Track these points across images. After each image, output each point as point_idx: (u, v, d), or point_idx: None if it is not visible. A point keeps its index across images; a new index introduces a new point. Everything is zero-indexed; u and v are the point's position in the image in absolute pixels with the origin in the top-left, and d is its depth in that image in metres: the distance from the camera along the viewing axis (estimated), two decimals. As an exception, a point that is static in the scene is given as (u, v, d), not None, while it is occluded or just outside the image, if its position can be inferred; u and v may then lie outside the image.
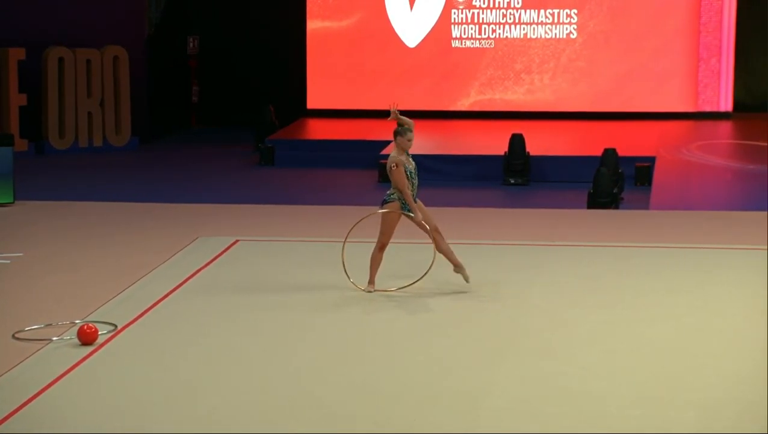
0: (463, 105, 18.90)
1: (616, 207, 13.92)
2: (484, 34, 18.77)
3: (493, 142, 16.54)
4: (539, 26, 18.65)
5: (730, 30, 18.07)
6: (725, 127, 17.93)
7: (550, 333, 8.55)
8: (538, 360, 7.94)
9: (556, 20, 18.57)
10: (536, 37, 18.63)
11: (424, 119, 18.81)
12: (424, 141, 17.94)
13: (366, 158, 16.31)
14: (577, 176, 15.26)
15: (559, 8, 18.53)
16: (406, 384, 7.48)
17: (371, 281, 9.55)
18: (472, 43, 18.81)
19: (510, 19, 18.70)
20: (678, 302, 9.34)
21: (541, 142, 16.44)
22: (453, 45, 18.84)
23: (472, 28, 18.80)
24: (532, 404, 7.15)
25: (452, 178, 15.75)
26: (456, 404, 7.16)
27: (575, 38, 18.53)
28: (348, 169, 16.35)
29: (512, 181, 15.55)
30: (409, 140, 9.54)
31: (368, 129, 18.00)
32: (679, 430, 6.77)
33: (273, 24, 19.45)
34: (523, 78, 18.73)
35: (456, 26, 18.81)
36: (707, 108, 18.24)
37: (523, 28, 18.68)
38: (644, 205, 13.90)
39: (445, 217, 12.91)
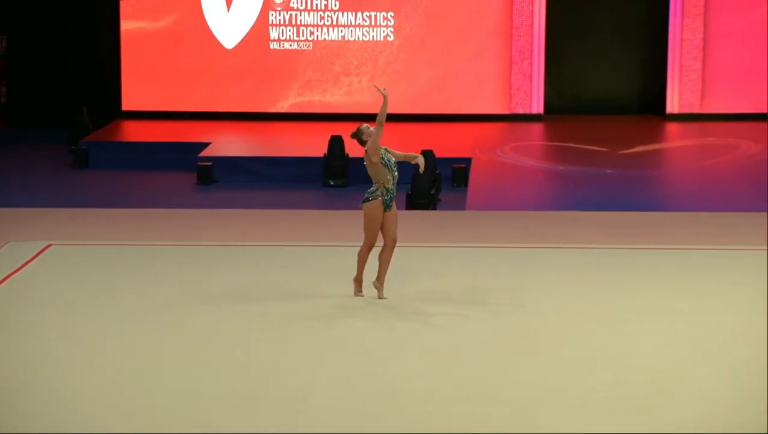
0: (282, 107, 18.86)
1: (434, 208, 14.09)
2: (303, 36, 18.77)
3: (312, 144, 16.55)
4: (357, 29, 18.76)
5: (540, 34, 18.51)
6: (537, 129, 18.36)
7: (372, 334, 8.59)
8: (359, 361, 7.97)
9: (373, 23, 18.70)
10: (354, 40, 18.73)
11: (243, 121, 18.70)
12: (244, 143, 17.83)
13: (184, 160, 16.11)
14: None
15: (376, 11, 18.68)
16: (228, 387, 7.41)
17: (359, 281, 9.40)
18: (291, 45, 18.80)
19: (328, 21, 18.76)
20: (494, 300, 9.50)
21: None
22: (271, 47, 18.79)
23: (290, 30, 18.78)
24: (355, 404, 7.17)
25: (272, 180, 15.69)
26: (277, 406, 7.12)
27: (392, 41, 18.70)
28: (165, 171, 16.12)
29: (332, 183, 15.58)
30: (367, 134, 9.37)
31: (186, 131, 17.78)
32: (492, 427, 6.88)
33: (86, 24, 19.03)
34: (342, 80, 18.80)
35: (274, 28, 18.76)
36: (520, 110, 18.64)
37: (341, 31, 18.76)
38: (461, 205, 14.10)
39: (265, 219, 12.86)
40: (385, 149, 9.44)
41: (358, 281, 9.47)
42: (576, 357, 8.11)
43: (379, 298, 9.37)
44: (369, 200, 9.32)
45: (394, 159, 9.43)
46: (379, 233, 9.39)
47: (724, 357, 8.10)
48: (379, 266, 9.40)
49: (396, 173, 9.39)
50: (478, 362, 8.00)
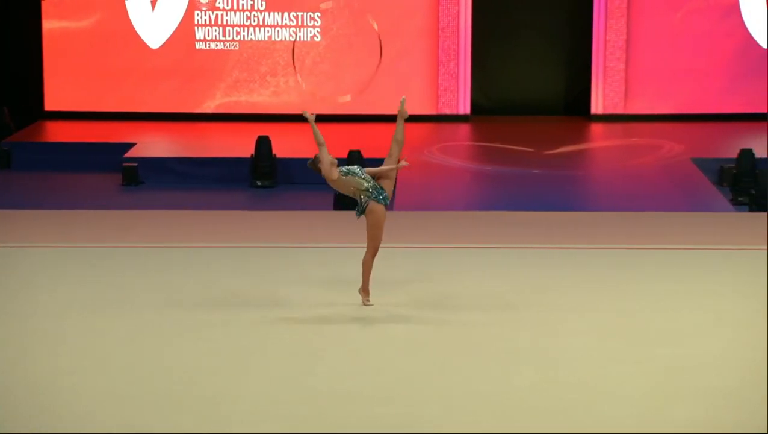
0: (208, 107, 18.74)
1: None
2: (229, 36, 18.67)
3: (239, 144, 16.48)
4: (283, 29, 18.70)
5: (466, 34, 18.59)
6: (464, 129, 18.44)
7: (300, 335, 8.58)
8: (286, 362, 7.95)
9: (300, 23, 18.66)
10: (281, 40, 18.68)
11: (168, 122, 18.55)
12: (170, 144, 17.69)
13: (108, 161, 15.95)
14: (323, 178, 15.33)
15: (303, 11, 18.64)
16: (150, 389, 7.35)
17: (366, 291, 9.19)
18: (217, 45, 18.69)
19: (254, 21, 18.68)
20: (421, 300, 9.52)
21: (287, 144, 16.49)
22: (197, 47, 18.66)
23: (216, 30, 18.67)
24: (281, 406, 7.15)
25: (199, 180, 15.60)
26: (202, 409, 7.08)
27: (319, 41, 18.67)
28: (90, 172, 15.95)
29: (259, 183, 15.52)
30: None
31: (110, 131, 17.60)
32: (419, 428, 6.90)
33: (6, 23, 18.76)
34: (269, 80, 18.73)
35: (200, 28, 18.64)
36: (447, 111, 18.71)
37: (268, 31, 18.68)
38: (389, 206, 14.09)
39: (192, 220, 12.77)
40: (347, 169, 9.19)
41: (366, 290, 9.25)
42: (501, 356, 8.15)
43: (363, 304, 9.20)
44: (377, 201, 9.08)
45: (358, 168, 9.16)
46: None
47: (648, 355, 8.19)
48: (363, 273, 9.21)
49: (365, 174, 9.14)
50: (405, 363, 8.02)
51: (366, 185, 9.14)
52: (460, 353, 8.23)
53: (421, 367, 7.92)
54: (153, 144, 17.03)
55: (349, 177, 9.16)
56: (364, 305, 9.20)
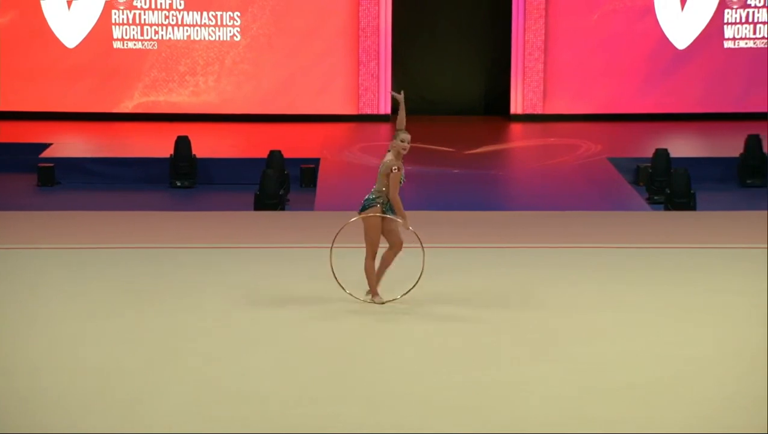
0: (126, 107, 18.56)
1: (282, 208, 14.05)
2: (147, 35, 18.51)
3: (158, 144, 16.34)
4: (203, 28, 18.58)
5: (387, 34, 18.62)
6: (385, 129, 18.46)
7: (214, 336, 8.52)
8: (202, 364, 7.89)
9: (219, 22, 18.55)
10: (200, 39, 18.55)
11: (85, 121, 18.34)
12: (87, 144, 17.49)
13: (24, 161, 15.73)
14: (243, 177, 15.31)
15: (222, 11, 18.53)
16: (68, 388, 7.27)
17: (375, 293, 9.12)
18: (135, 45, 18.51)
19: (173, 20, 18.53)
20: (342, 301, 9.52)
21: (207, 144, 16.39)
22: (114, 46, 18.47)
23: (134, 29, 18.49)
24: (195, 406, 7.10)
25: (117, 181, 15.45)
26: (114, 409, 7.01)
27: (239, 41, 18.58)
28: (4, 173, 15.72)
29: (178, 183, 15.41)
30: (404, 142, 9.07)
31: (26, 132, 17.36)
32: (339, 428, 6.90)
33: None
34: (188, 80, 18.60)
35: (117, 27, 18.45)
36: (368, 111, 18.72)
37: (187, 30, 18.55)
38: (309, 206, 14.10)
39: (110, 221, 12.63)
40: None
41: (374, 293, 9.21)
42: (426, 355, 8.17)
43: (375, 301, 9.19)
44: (366, 208, 9.07)
45: (403, 172, 9.18)
46: (381, 238, 9.12)
47: (566, 354, 8.26)
48: (378, 274, 9.17)
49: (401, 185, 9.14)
50: (325, 363, 8.00)
51: (398, 197, 9.13)
52: (386, 352, 8.23)
53: (344, 367, 7.91)
54: (69, 144, 16.83)
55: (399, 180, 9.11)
56: (378, 303, 9.16)
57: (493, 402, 7.30)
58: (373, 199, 9.15)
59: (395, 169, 9.09)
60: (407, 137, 9.19)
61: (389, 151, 9.19)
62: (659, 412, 7.13)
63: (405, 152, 9.18)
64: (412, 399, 7.33)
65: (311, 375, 7.72)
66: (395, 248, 9.22)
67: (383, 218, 9.12)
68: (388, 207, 9.20)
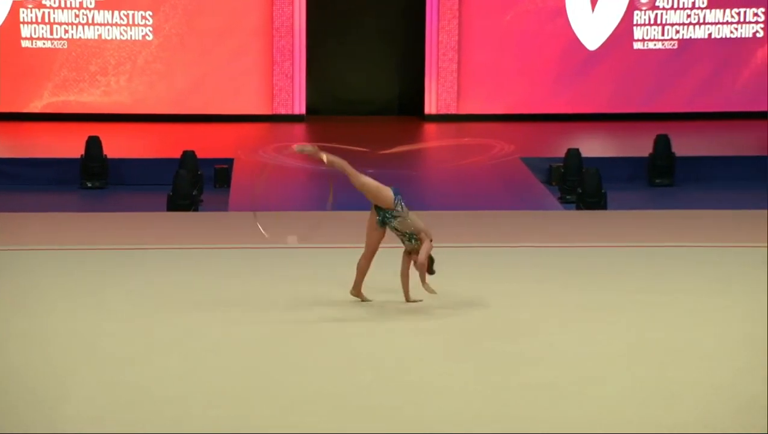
0: (35, 107, 18.30)
1: (196, 209, 13.98)
2: (57, 34, 18.27)
3: (68, 144, 16.15)
4: (114, 27, 18.39)
5: (301, 34, 18.60)
6: (300, 129, 18.46)
7: (130, 339, 8.46)
8: (108, 366, 7.82)
9: (131, 22, 18.38)
10: (111, 39, 18.36)
11: (-6, 122, 18.07)
12: (-4, 144, 17.24)
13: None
14: (156, 178, 15.19)
15: (134, 10, 18.36)
16: None
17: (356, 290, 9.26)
18: (44, 44, 18.26)
19: (83, 19, 18.31)
20: (255, 302, 9.51)
21: (118, 144, 16.24)
22: (23, 45, 18.20)
23: (43, 28, 18.24)
24: (109, 410, 7.04)
25: (27, 182, 15.24)
26: (28, 412, 6.93)
27: (151, 40, 18.42)
28: None
29: (89, 184, 15.24)
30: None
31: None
32: (249, 428, 6.89)
33: None
34: (99, 80, 18.39)
35: (26, 25, 18.19)
36: (282, 111, 18.68)
37: (98, 29, 18.34)
38: (224, 206, 14.05)
39: (22, 222, 12.45)
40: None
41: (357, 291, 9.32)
42: (337, 356, 8.18)
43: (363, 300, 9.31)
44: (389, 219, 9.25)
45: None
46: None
47: (478, 352, 8.33)
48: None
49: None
50: (238, 364, 7.98)
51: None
52: (299, 353, 8.23)
53: (257, 368, 7.89)
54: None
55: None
56: (363, 301, 9.28)
57: (405, 402, 7.33)
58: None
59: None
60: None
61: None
62: (574, 410, 7.22)
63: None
64: (323, 399, 7.34)
65: (223, 377, 7.69)
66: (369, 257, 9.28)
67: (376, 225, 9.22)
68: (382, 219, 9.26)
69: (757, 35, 18.29)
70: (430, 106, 18.64)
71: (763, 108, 18.27)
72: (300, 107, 18.69)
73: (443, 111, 18.61)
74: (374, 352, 8.28)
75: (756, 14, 18.26)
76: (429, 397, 7.41)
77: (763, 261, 10.69)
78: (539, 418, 7.07)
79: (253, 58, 18.55)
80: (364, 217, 9.53)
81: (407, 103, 19.11)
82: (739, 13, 18.30)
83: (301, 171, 16.15)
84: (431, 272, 9.26)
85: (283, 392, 7.44)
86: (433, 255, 9.23)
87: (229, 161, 15.82)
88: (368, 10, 18.98)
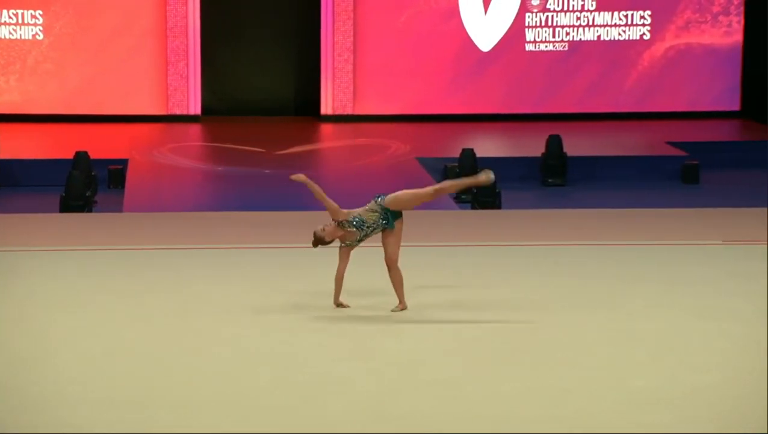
0: None
1: (89, 210, 13.86)
2: (-56, 33, 17.94)
3: (-42, 146, 15.86)
4: (3, 27, 18.07)
5: (195, 35, 18.51)
6: (195, 130, 18.38)
7: (21, 341, 8.38)
8: (6, 368, 7.76)
9: (20, 21, 18.11)
10: (1, 38, 18.07)
11: None
12: None
13: None
14: (48, 179, 15.01)
15: (24, 8, 18.08)
16: None
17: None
18: (-69, 43, 17.91)
19: (-29, 18, 18.01)
20: (153, 302, 9.47)
21: (10, 145, 16.02)
22: None
23: (-69, 27, 17.89)
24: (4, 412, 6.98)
25: None
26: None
27: (42, 39, 18.17)
28: None
29: (-18, 186, 15.01)
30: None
31: None
32: (155, 429, 6.87)
33: None
34: (-12, 80, 18.10)
35: None
36: (177, 111, 18.58)
37: (-10, 29, 18.07)
38: (118, 207, 13.95)
39: None
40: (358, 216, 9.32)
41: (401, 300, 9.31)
42: (234, 357, 8.20)
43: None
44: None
45: (366, 218, 9.31)
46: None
47: (370, 352, 8.42)
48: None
49: (367, 232, 9.27)
50: (132, 366, 7.95)
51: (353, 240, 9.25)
52: (201, 353, 8.22)
53: (158, 370, 7.87)
54: None
55: (353, 231, 9.25)
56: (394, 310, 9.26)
57: (302, 401, 7.37)
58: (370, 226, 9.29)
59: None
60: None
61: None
62: (460, 408, 7.33)
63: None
64: (222, 400, 7.35)
65: (119, 378, 7.65)
66: (387, 266, 9.27)
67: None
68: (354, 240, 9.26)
69: (644, 37, 18.72)
70: (327, 107, 18.71)
71: (650, 109, 18.70)
72: (195, 108, 18.61)
73: (339, 111, 18.68)
74: (272, 351, 8.30)
75: (643, 17, 18.68)
76: (322, 397, 7.46)
77: (651, 257, 10.96)
78: (426, 415, 7.17)
79: (146, 59, 18.42)
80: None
81: (303, 104, 19.15)
82: (626, 16, 18.71)
83: (197, 171, 16.11)
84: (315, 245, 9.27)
85: (182, 393, 7.42)
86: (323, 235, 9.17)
87: (124, 162, 15.70)
88: (263, 10, 18.97)
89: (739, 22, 18.56)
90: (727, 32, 18.61)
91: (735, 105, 18.68)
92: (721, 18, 18.61)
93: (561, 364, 8.02)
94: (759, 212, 13.06)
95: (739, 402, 7.36)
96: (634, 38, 18.71)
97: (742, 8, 18.57)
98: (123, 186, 15.07)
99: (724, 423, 7.04)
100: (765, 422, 6.96)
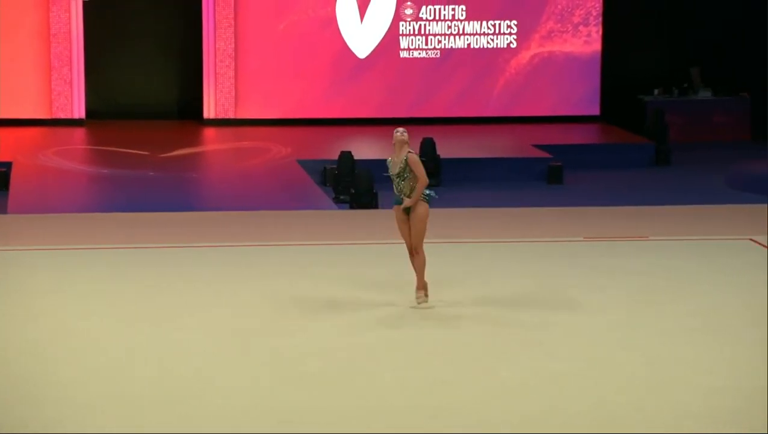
0: None
1: (-22, 213, 13.80)
2: None
3: None
4: None
5: (78, 40, 18.57)
6: (80, 133, 18.38)
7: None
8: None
9: None
10: None
11: None
12: None
13: None
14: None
15: None
16: None
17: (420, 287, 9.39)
18: None
19: None
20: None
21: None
22: None
23: None
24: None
25: None
26: None
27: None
28: None
29: None
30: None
31: None
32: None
33: None
34: None
35: None
36: (61, 115, 18.63)
37: None
38: (2, 209, 13.90)
39: None
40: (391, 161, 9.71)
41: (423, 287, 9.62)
42: (119, 356, 8.47)
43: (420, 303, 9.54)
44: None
45: (398, 169, 9.73)
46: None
47: (255, 348, 8.78)
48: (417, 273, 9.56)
49: (398, 181, 9.77)
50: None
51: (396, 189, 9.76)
52: (87, 351, 8.45)
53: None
54: None
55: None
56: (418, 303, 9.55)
57: (177, 395, 7.66)
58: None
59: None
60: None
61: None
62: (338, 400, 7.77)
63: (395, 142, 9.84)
64: (109, 396, 7.67)
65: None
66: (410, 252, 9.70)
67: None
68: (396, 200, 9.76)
69: (511, 46, 19.30)
70: (209, 111, 18.93)
71: (517, 113, 19.29)
72: (80, 111, 18.70)
73: (221, 115, 18.94)
74: (153, 347, 8.57)
75: (510, 26, 19.26)
76: (219, 387, 7.72)
77: (520, 253, 11.47)
78: (310, 408, 7.60)
79: (29, 63, 18.43)
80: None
81: (186, 108, 19.31)
82: (494, 26, 19.26)
83: (82, 174, 16.14)
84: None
85: (74, 392, 7.63)
86: None
87: (8, 165, 15.73)
88: (146, 16, 19.09)
89: (597, 32, 19.24)
90: (586, 41, 19.31)
91: (595, 110, 19.34)
92: (581, 28, 19.31)
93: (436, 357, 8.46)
94: (618, 210, 13.71)
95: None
96: (502, 46, 19.25)
97: (600, 19, 19.24)
98: (7, 188, 15.03)
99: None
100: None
